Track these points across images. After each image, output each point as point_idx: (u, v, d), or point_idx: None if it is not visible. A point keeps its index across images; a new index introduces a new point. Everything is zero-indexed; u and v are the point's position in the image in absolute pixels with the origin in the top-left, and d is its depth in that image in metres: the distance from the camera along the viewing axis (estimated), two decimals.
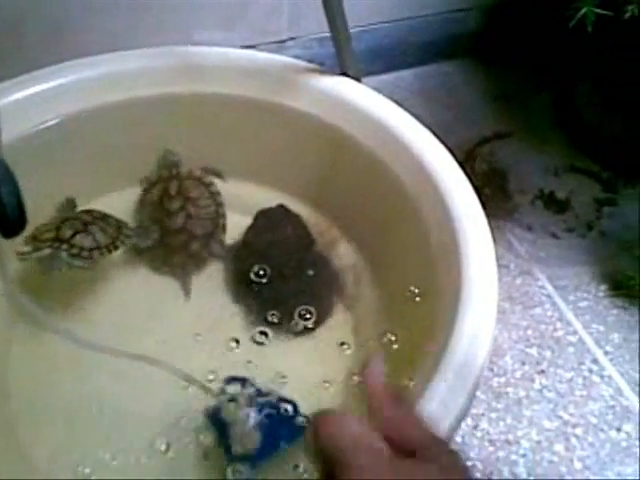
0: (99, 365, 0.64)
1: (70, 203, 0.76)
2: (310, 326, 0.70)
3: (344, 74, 0.77)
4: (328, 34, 0.75)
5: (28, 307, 0.52)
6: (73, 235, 0.67)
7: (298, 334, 0.70)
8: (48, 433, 0.62)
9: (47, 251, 0.65)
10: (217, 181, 0.80)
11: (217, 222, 0.77)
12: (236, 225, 0.77)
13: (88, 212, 0.72)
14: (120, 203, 0.79)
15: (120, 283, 0.74)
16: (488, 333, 0.55)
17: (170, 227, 0.76)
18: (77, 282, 0.72)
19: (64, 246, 0.66)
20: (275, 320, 0.70)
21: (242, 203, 0.79)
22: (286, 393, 0.60)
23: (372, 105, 0.74)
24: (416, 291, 0.67)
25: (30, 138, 0.72)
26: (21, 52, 0.83)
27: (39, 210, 0.74)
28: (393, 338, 0.69)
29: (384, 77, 1.11)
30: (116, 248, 0.70)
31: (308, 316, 0.70)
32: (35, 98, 0.72)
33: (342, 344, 0.70)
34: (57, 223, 0.69)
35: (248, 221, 0.77)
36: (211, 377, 0.61)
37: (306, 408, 0.62)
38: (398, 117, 0.73)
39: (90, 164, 0.77)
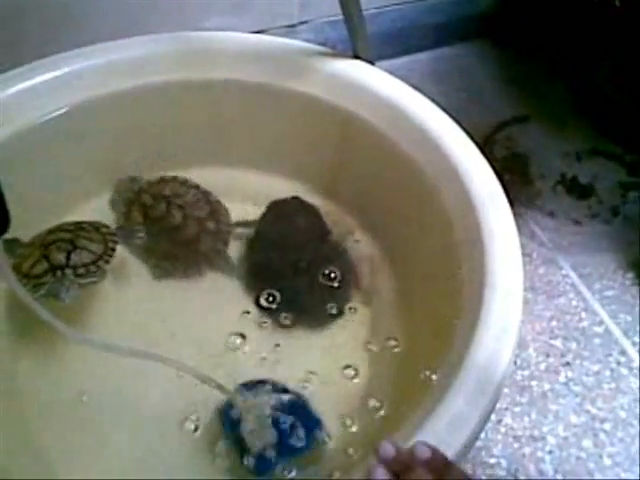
0: (112, 363, 0.61)
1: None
2: (326, 318, 0.68)
3: (357, 57, 0.74)
4: (340, 17, 0.73)
5: (39, 312, 0.49)
6: (68, 257, 0.63)
7: (314, 326, 0.67)
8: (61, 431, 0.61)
9: (52, 283, 0.62)
10: (226, 171, 0.78)
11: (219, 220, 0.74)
12: (248, 215, 0.75)
13: (58, 229, 0.67)
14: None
15: (128, 286, 0.72)
16: (514, 324, 0.52)
17: (180, 234, 0.73)
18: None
19: (68, 271, 0.62)
20: (290, 313, 0.67)
21: (253, 192, 0.77)
22: (301, 388, 0.58)
23: (387, 88, 0.71)
24: (436, 281, 0.64)
25: (39, 127, 0.70)
26: (29, 39, 0.80)
27: (48, 198, 0.73)
28: (412, 330, 0.66)
29: (397, 60, 1.07)
30: (113, 250, 0.67)
31: (324, 308, 0.68)
32: (44, 86, 0.70)
33: (359, 337, 0.67)
34: (37, 253, 0.64)
35: (259, 211, 0.74)
36: (221, 372, 0.59)
37: (324, 402, 0.61)
38: (414, 100, 0.70)
39: (100, 152, 0.74)
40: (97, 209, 0.76)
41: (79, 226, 0.68)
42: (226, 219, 0.75)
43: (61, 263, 0.63)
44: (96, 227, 0.69)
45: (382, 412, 0.61)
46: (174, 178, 0.77)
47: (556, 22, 1.01)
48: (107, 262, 0.65)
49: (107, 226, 0.70)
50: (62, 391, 0.63)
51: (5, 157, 0.66)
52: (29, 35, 0.81)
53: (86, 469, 0.58)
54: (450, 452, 0.45)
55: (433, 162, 0.66)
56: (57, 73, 0.71)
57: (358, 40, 0.72)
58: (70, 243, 0.65)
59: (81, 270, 0.63)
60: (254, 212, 0.75)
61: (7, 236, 0.63)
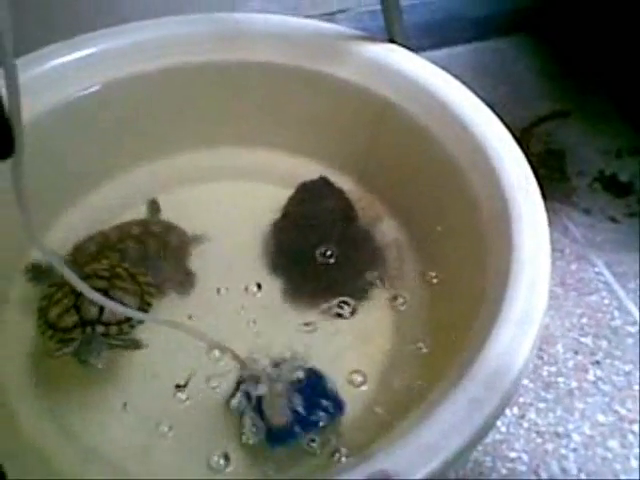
0: None
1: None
2: (350, 303, 0.67)
3: (392, 41, 0.73)
4: (379, 7, 0.72)
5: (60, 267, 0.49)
6: (100, 310, 0.57)
7: (333, 312, 0.67)
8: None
9: (81, 342, 0.56)
10: (257, 152, 0.78)
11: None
12: (276, 197, 0.74)
13: (93, 274, 0.61)
14: (163, 170, 0.78)
15: None
16: (539, 312, 0.50)
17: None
18: None
19: (99, 328, 0.56)
20: (314, 295, 0.67)
21: (283, 175, 0.76)
22: (321, 369, 0.57)
23: (421, 74, 0.70)
24: (463, 268, 0.63)
25: (71, 104, 0.71)
26: (61, 19, 0.82)
27: (81, 178, 0.75)
28: (437, 317, 0.65)
29: (436, 52, 1.06)
30: (149, 305, 0.61)
31: (349, 294, 0.67)
32: (76, 64, 0.71)
33: (384, 322, 0.66)
34: (66, 300, 0.58)
35: (288, 193, 0.74)
36: (242, 347, 0.59)
37: (344, 385, 0.60)
38: (449, 87, 0.69)
39: (131, 131, 0.75)
40: (123, 186, 0.77)
41: (114, 272, 0.62)
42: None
43: (93, 317, 0.57)
44: (132, 274, 0.63)
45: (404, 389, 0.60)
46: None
47: (600, 18, 0.99)
48: (142, 322, 0.59)
49: (144, 273, 0.64)
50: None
51: (35, 134, 0.67)
52: (61, 14, 0.82)
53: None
54: (467, 434, 0.44)
55: (466, 150, 0.65)
56: (89, 51, 0.72)
57: (394, 23, 0.72)
58: (105, 294, 0.57)
59: (114, 329, 0.57)
60: (283, 194, 0.74)
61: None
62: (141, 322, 0.59)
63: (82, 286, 0.46)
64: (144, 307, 0.61)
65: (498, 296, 0.52)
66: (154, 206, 0.75)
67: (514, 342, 0.48)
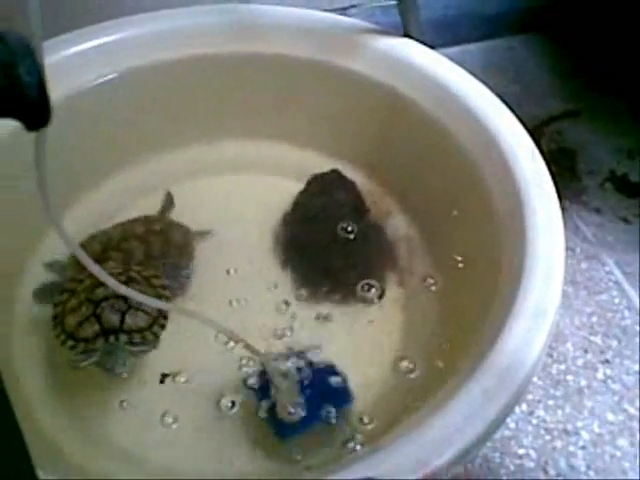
0: None
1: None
2: (360, 298, 0.67)
3: (407, 36, 0.73)
4: (392, 2, 0.72)
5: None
6: (122, 319, 0.56)
7: (347, 304, 0.67)
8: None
9: (105, 352, 0.55)
10: (268, 144, 0.78)
11: None
12: (288, 190, 0.74)
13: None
14: (173, 162, 0.78)
15: None
16: (553, 306, 0.50)
17: None
18: None
19: (122, 337, 0.55)
20: (323, 289, 0.67)
21: (295, 168, 0.76)
22: (332, 359, 0.57)
23: (436, 68, 0.70)
24: (474, 264, 0.63)
25: (88, 91, 0.71)
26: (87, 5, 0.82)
27: (95, 162, 0.74)
28: (446, 314, 0.65)
29: (448, 50, 1.05)
30: (167, 312, 0.59)
31: (359, 287, 0.67)
32: (94, 52, 0.71)
33: (394, 318, 0.66)
34: (84, 309, 0.56)
35: (300, 187, 0.74)
36: (254, 338, 0.59)
37: (352, 379, 0.60)
38: (463, 81, 0.69)
39: (140, 122, 0.75)
40: (132, 178, 0.76)
41: (129, 276, 0.60)
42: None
43: (115, 326, 0.55)
44: (146, 278, 0.61)
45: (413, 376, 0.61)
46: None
47: (611, 17, 0.98)
48: (163, 327, 0.58)
49: (158, 275, 0.63)
50: None
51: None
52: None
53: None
54: (480, 426, 0.44)
55: (479, 144, 0.65)
56: (105, 40, 0.72)
57: (410, 18, 0.72)
58: (124, 301, 0.56)
59: (137, 337, 0.56)
60: (295, 187, 0.74)
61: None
62: (163, 328, 0.58)
63: (102, 274, 0.45)
64: (164, 313, 0.59)
65: (512, 289, 0.51)
66: (169, 198, 0.75)
67: (528, 335, 0.48)
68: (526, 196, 0.59)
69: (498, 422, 0.45)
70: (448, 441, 0.43)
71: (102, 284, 0.56)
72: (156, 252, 0.68)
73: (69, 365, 0.56)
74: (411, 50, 0.71)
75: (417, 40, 0.72)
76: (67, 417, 0.59)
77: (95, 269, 0.44)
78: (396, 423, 0.48)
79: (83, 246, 0.66)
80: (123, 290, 0.47)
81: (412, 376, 0.61)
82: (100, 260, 0.64)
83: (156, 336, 0.57)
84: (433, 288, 0.68)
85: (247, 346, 0.52)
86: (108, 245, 0.67)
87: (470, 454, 0.44)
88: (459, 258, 0.67)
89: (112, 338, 0.55)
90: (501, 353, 0.47)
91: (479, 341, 0.52)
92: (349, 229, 0.69)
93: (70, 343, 0.55)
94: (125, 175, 0.77)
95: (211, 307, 0.65)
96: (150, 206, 0.74)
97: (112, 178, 0.76)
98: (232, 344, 0.59)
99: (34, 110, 0.31)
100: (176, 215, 0.74)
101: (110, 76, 0.72)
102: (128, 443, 0.57)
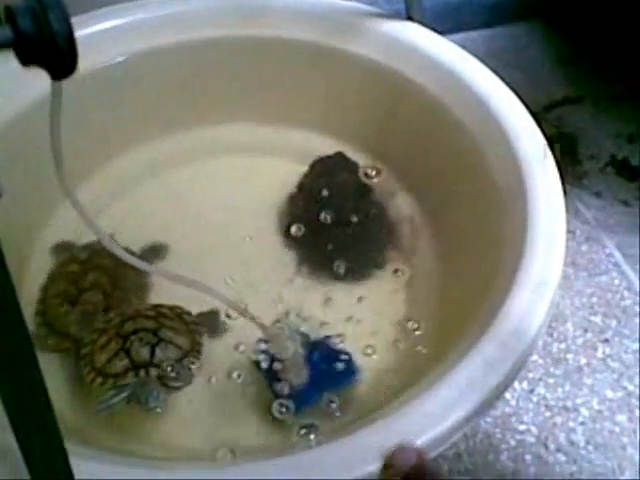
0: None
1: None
2: (363, 276, 0.68)
3: (410, 19, 0.73)
4: None
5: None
6: (152, 352, 0.54)
7: (350, 282, 0.68)
8: None
9: (136, 386, 0.53)
10: (273, 128, 0.79)
11: None
12: (293, 172, 0.75)
13: (137, 315, 0.58)
14: (180, 144, 0.79)
15: None
16: (554, 278, 0.51)
17: None
18: None
19: (153, 371, 0.53)
20: (326, 267, 0.68)
21: (299, 150, 0.77)
22: (337, 334, 0.58)
23: (438, 50, 0.71)
24: (478, 243, 0.64)
25: (98, 74, 0.72)
26: None
27: (106, 145, 0.76)
28: (449, 291, 0.66)
29: (451, 37, 1.03)
30: (200, 345, 0.57)
31: (362, 266, 0.68)
32: (104, 35, 0.72)
33: (396, 296, 0.67)
34: (114, 344, 0.55)
35: (305, 169, 0.75)
36: (260, 313, 0.60)
37: (355, 352, 0.61)
38: (466, 63, 0.70)
39: (150, 105, 0.76)
40: (144, 157, 0.78)
41: (159, 311, 0.59)
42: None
43: (146, 360, 0.53)
44: (178, 314, 0.60)
45: (419, 346, 0.62)
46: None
47: (612, 3, 0.99)
48: (197, 359, 0.56)
49: (189, 313, 0.61)
50: None
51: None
52: None
53: None
54: (481, 394, 0.45)
55: (482, 125, 0.66)
56: (118, 22, 0.73)
57: (412, 2, 0.72)
58: (154, 334, 0.55)
59: (171, 373, 0.54)
60: (299, 169, 0.75)
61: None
62: (197, 360, 0.57)
63: (113, 245, 0.45)
64: (196, 347, 0.58)
65: (515, 262, 0.53)
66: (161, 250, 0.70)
67: (531, 304, 0.49)
68: (528, 175, 0.60)
69: (500, 389, 0.46)
70: (450, 408, 0.44)
71: (131, 318, 0.57)
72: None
73: (100, 403, 0.53)
74: (414, 33, 0.72)
75: (420, 23, 0.73)
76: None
77: (106, 240, 0.45)
78: (401, 392, 0.49)
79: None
80: (131, 260, 0.46)
81: (416, 349, 0.62)
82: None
83: (188, 370, 0.55)
84: (436, 265, 0.69)
85: (253, 319, 0.53)
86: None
87: (472, 421, 0.46)
88: (462, 236, 0.68)
89: (142, 372, 0.53)
90: (504, 322, 0.48)
91: (481, 313, 0.53)
92: (353, 209, 0.69)
93: (99, 380, 0.53)
94: (130, 156, 0.78)
95: (217, 284, 0.66)
96: (153, 186, 0.76)
97: (117, 159, 0.77)
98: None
99: (62, 58, 0.32)
100: (188, 191, 0.75)
101: (118, 59, 0.73)
102: None
